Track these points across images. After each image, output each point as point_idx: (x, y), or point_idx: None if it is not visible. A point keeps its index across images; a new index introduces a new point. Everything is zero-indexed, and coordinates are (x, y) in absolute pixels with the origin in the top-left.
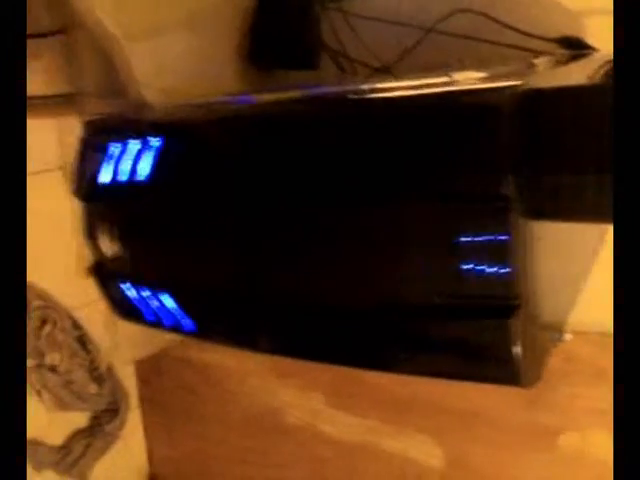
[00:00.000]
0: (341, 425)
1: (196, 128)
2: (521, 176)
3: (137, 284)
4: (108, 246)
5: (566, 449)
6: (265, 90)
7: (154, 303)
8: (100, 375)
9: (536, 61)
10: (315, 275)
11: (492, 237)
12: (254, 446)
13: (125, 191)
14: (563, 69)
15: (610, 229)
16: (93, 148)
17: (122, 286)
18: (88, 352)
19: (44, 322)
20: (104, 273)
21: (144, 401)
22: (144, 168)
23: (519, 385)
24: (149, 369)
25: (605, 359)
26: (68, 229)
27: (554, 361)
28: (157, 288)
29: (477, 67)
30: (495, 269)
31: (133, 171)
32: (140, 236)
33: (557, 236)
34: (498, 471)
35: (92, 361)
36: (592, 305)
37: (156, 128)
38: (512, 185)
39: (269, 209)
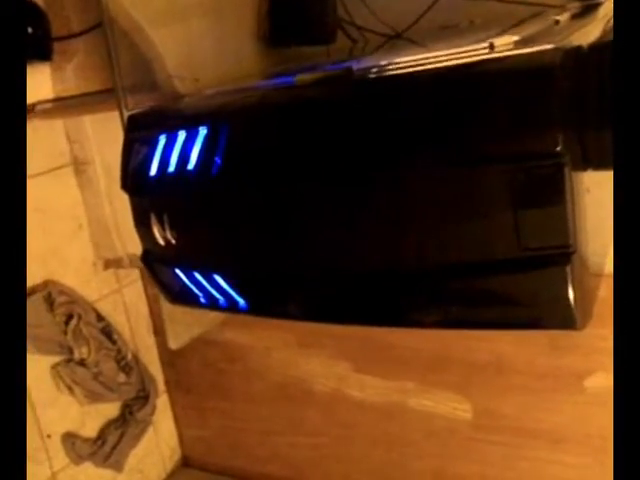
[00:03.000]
0: (368, 389)
1: (241, 114)
2: (571, 132)
3: (190, 269)
4: (161, 235)
5: (594, 390)
6: (299, 69)
7: (208, 285)
8: (127, 364)
9: (558, 17)
10: (368, 241)
11: (548, 191)
12: (283, 417)
13: (175, 181)
14: (586, 24)
15: None
16: (139, 142)
17: (175, 272)
18: (114, 342)
19: (70, 317)
20: (156, 260)
21: (170, 384)
22: (193, 157)
23: (575, 328)
24: (172, 353)
25: None
26: (84, 224)
27: None
28: (209, 271)
29: (503, 29)
30: (551, 220)
31: (182, 161)
32: (191, 223)
33: (597, 186)
34: (527, 416)
35: (118, 351)
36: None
37: (201, 117)
38: (564, 141)
39: (314, 186)
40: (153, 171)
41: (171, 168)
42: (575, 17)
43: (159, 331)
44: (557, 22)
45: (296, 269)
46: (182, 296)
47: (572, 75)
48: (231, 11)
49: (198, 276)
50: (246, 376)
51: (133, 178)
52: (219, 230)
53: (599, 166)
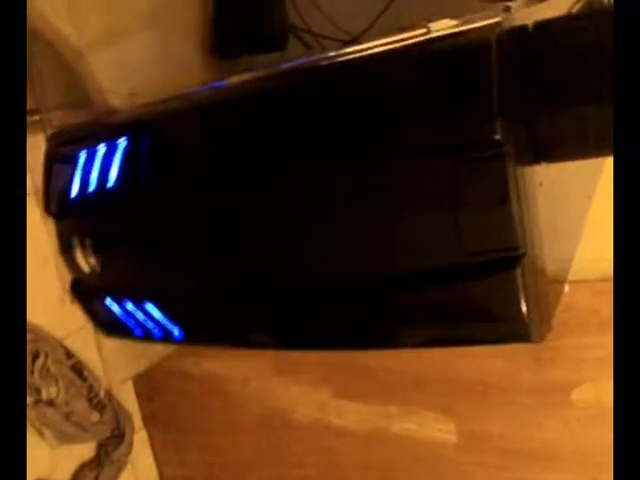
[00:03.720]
0: (350, 415)
1: (162, 121)
2: (515, 119)
3: (120, 297)
4: (85, 261)
5: (583, 403)
6: (233, 74)
7: (140, 315)
8: (100, 401)
9: (510, 3)
10: (306, 253)
11: (489, 186)
12: (265, 448)
13: (96, 200)
14: (540, 5)
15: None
16: (59, 160)
17: (105, 302)
18: (85, 380)
19: (36, 356)
20: (84, 290)
21: (148, 420)
22: (113, 173)
23: (530, 340)
24: (148, 387)
25: (606, 305)
26: (48, 256)
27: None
28: (140, 299)
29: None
30: (495, 219)
31: (102, 178)
32: (114, 246)
33: (554, 182)
34: (515, 435)
35: (90, 388)
36: (586, 251)
37: (119, 128)
38: (505, 129)
39: (250, 193)
40: (74, 191)
41: (91, 187)
42: (533, 2)
43: None
44: (508, 8)
45: (236, 290)
46: (116, 328)
47: (514, 55)
48: (173, 21)
49: (129, 305)
50: (225, 408)
51: (54, 200)
52: (144, 251)
53: (553, 158)
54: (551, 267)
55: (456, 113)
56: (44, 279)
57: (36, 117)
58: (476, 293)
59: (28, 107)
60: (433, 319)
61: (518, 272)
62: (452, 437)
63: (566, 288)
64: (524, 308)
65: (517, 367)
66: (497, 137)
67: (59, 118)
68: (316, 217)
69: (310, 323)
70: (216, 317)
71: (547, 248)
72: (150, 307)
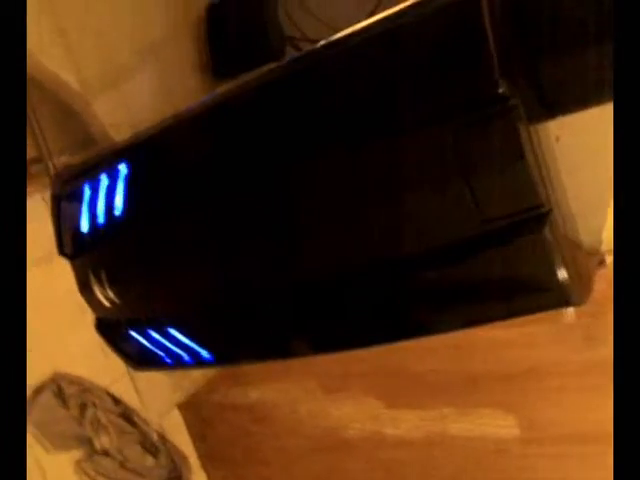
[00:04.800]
0: (405, 423)
1: (158, 139)
2: (516, 71)
3: (142, 326)
4: (104, 296)
5: None
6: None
7: (166, 342)
8: (153, 445)
9: None
10: (323, 247)
11: (501, 143)
12: (324, 469)
13: (106, 231)
14: None
15: None
16: (65, 199)
17: (129, 334)
18: (135, 425)
19: (84, 407)
20: (108, 326)
21: (204, 459)
22: (118, 200)
23: (570, 301)
24: (200, 425)
25: None
26: (84, 305)
27: (600, 289)
28: (162, 325)
29: None
30: (513, 178)
31: (109, 208)
32: (128, 274)
33: (578, 144)
34: (576, 418)
35: (142, 433)
36: None
37: (118, 154)
38: (508, 83)
39: (253, 194)
40: (84, 227)
41: (100, 219)
42: None
43: (183, 405)
44: None
45: (256, 299)
46: (144, 360)
47: (508, 5)
48: (170, 51)
49: (153, 333)
50: (278, 435)
51: (67, 240)
52: (157, 274)
53: (563, 107)
54: (585, 235)
55: (455, 74)
56: (82, 329)
57: (38, 166)
58: (506, 261)
59: (30, 156)
60: (465, 297)
61: (546, 231)
62: (514, 431)
63: (608, 259)
64: (559, 268)
65: (567, 350)
66: (501, 91)
67: (64, 163)
68: (328, 207)
69: (341, 319)
70: (241, 331)
71: (574, 207)
72: (174, 331)
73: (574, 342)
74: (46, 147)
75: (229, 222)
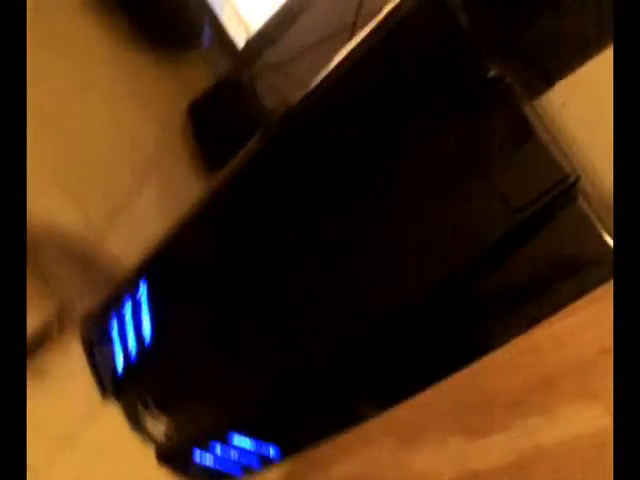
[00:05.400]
0: (493, 452)
1: (168, 248)
2: (503, 50)
3: (204, 444)
4: (157, 424)
5: None
6: None
7: (232, 453)
8: None
9: None
10: (375, 291)
11: (508, 126)
12: None
13: (142, 358)
14: None
15: None
16: (96, 340)
17: (194, 456)
18: None
19: None
20: (171, 455)
21: None
22: (146, 325)
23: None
24: None
25: None
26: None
27: None
28: (223, 434)
29: None
30: (529, 158)
31: (139, 335)
32: (176, 392)
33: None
34: None
35: None
36: None
37: (134, 277)
38: (497, 64)
39: (272, 276)
40: (119, 362)
41: (134, 349)
42: None
43: None
44: None
45: (306, 379)
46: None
47: None
48: (166, 162)
49: (217, 448)
50: None
51: (107, 380)
52: (203, 385)
53: (557, 71)
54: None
55: (444, 74)
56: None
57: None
58: (550, 246)
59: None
60: (523, 295)
61: (580, 200)
62: (604, 419)
63: None
64: (604, 235)
65: None
66: (492, 74)
67: (88, 307)
68: (365, 252)
69: (405, 364)
70: (302, 415)
71: (597, 167)
72: (237, 439)
73: None
74: (69, 299)
75: (264, 314)
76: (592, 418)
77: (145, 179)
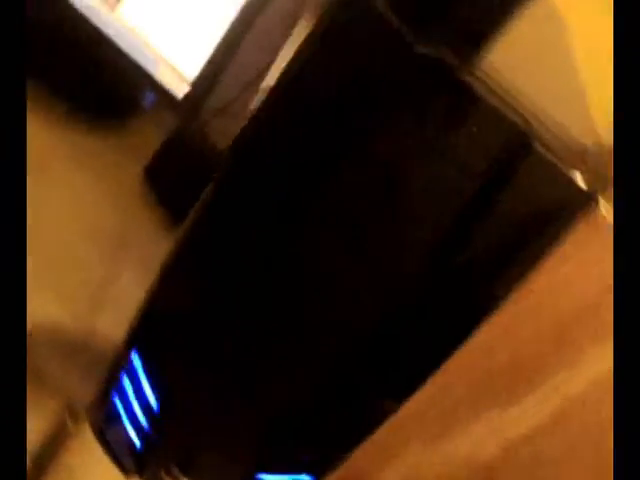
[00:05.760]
0: (527, 416)
1: (149, 310)
2: (426, 23)
3: None
4: None
5: None
6: None
7: None
8: None
9: None
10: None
11: (451, 99)
12: None
13: (154, 426)
14: None
15: None
16: (105, 425)
17: None
18: None
19: None
20: None
21: None
22: (149, 391)
23: (593, 196)
24: None
25: None
26: None
27: None
28: (252, 476)
29: None
30: (483, 121)
31: (145, 405)
32: (197, 448)
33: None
34: None
35: None
36: None
37: (125, 349)
38: (423, 42)
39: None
40: (133, 437)
41: (142, 421)
42: None
43: None
44: None
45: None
46: None
47: None
48: (132, 232)
49: None
50: None
51: (126, 460)
52: (223, 434)
53: (488, 30)
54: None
55: (380, 64)
56: None
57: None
58: (520, 197)
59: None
60: (507, 252)
61: (537, 146)
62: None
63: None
64: (568, 172)
65: None
66: (421, 51)
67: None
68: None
69: (414, 348)
70: (324, 434)
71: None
72: (265, 477)
73: None
74: (72, 392)
75: (257, 347)
76: (599, 367)
77: (119, 255)
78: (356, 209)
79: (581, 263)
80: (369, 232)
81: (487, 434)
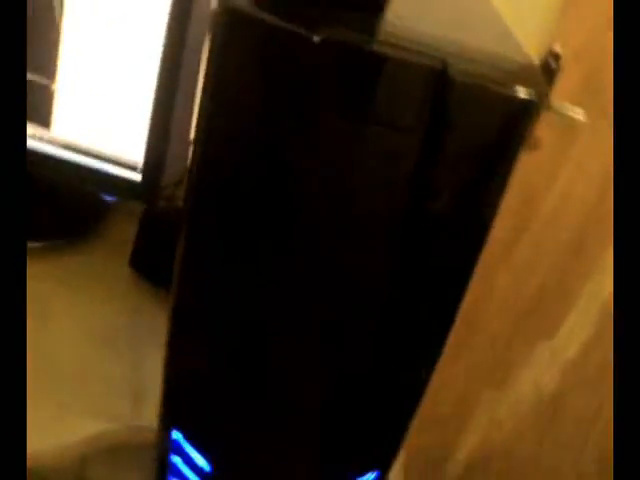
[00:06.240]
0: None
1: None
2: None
3: None
4: None
5: None
6: None
7: None
8: None
9: None
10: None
11: (359, 69)
12: None
13: None
14: None
15: None
16: None
17: None
18: None
19: None
20: None
21: None
22: (200, 460)
23: (540, 100)
24: None
25: None
26: None
27: None
28: None
29: None
30: (395, 78)
31: (200, 472)
32: None
33: None
34: None
35: None
36: None
37: (164, 430)
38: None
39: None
40: None
41: None
42: None
43: None
44: None
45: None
46: None
47: None
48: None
49: None
50: None
51: None
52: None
53: None
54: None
55: (284, 67)
56: None
57: None
58: (466, 133)
59: None
60: (480, 182)
61: (456, 75)
62: None
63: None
64: (500, 89)
65: None
66: (317, 40)
67: None
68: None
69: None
70: (375, 427)
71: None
72: None
73: None
74: None
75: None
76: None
77: (141, 350)
78: (312, 208)
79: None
80: (329, 228)
81: (545, 364)
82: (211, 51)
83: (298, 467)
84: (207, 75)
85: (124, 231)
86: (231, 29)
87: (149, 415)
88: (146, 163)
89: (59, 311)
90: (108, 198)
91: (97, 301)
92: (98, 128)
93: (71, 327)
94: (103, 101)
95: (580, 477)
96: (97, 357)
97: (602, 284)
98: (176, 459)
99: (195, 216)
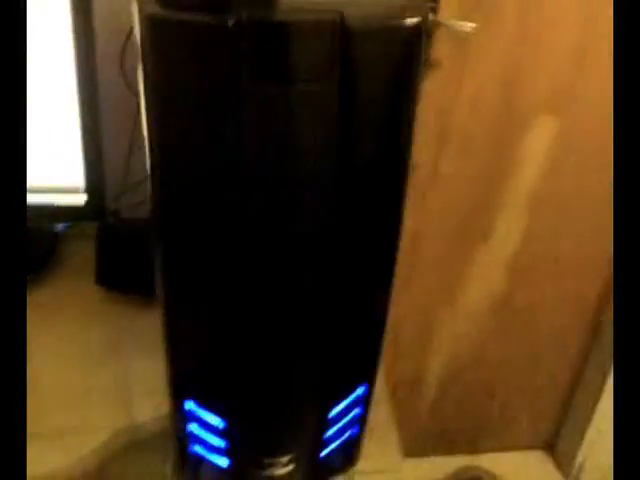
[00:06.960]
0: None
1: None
2: None
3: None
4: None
5: None
6: None
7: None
8: None
9: None
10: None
11: (267, 42)
12: None
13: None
14: None
15: None
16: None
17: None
18: None
19: None
20: None
21: None
22: (215, 421)
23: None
24: None
25: None
26: None
27: None
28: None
29: None
30: (296, 42)
31: (217, 430)
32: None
33: None
34: None
35: None
36: None
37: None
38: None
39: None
40: (219, 461)
41: (223, 444)
42: None
43: None
44: None
45: None
46: None
47: None
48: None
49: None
50: None
51: None
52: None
53: None
54: None
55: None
56: None
57: None
58: (373, 68)
59: None
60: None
61: (353, 22)
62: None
63: None
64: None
65: None
66: (231, 24)
67: None
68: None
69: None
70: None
71: None
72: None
73: None
74: None
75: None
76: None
77: (126, 356)
78: (263, 166)
79: None
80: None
81: (489, 266)
82: (143, 60)
83: (303, 395)
84: (145, 83)
85: (80, 253)
86: (155, 34)
87: (141, 417)
88: (88, 183)
89: (36, 338)
90: (59, 227)
91: (74, 322)
92: (33, 164)
93: (51, 351)
94: (30, 136)
95: (551, 367)
96: (81, 373)
97: (521, 176)
98: (193, 426)
99: (167, 203)
